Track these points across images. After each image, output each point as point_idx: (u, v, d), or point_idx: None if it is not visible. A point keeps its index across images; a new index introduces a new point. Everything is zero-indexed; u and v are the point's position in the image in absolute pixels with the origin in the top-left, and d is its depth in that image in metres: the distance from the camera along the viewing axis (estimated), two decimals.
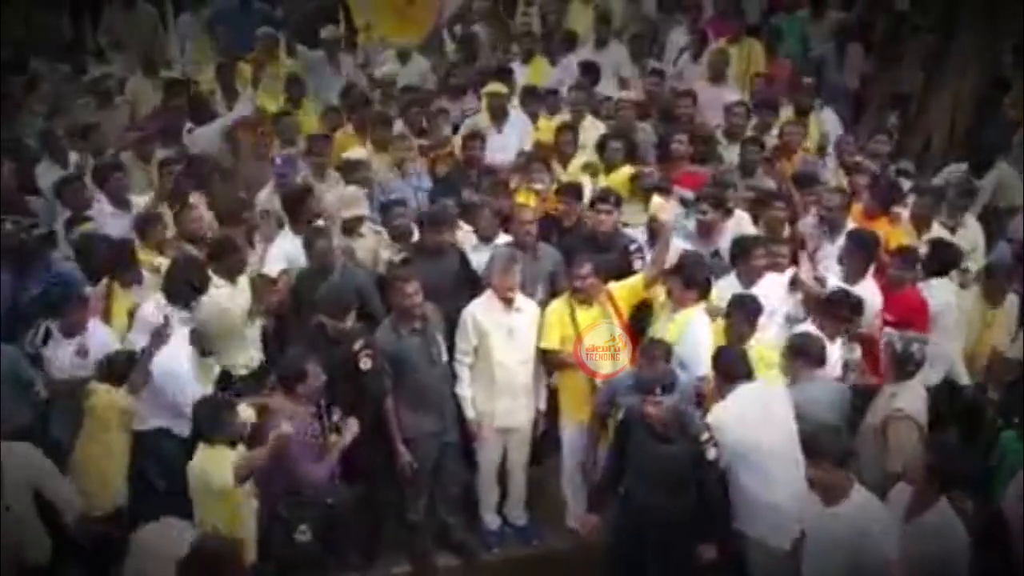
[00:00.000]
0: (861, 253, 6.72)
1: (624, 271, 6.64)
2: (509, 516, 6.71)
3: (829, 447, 4.69)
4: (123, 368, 5.76)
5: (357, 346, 5.90)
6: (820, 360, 5.87)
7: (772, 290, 6.56)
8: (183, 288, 6.08)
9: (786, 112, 9.11)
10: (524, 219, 6.76)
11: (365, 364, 5.92)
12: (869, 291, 6.59)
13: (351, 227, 6.98)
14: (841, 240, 7.00)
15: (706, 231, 7.06)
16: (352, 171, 7.49)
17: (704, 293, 6.27)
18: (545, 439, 6.67)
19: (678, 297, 6.25)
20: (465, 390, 6.35)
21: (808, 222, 7.46)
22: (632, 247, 6.79)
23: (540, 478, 6.79)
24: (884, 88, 10.40)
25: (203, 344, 5.99)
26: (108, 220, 7.11)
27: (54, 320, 5.99)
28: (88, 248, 6.57)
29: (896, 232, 7.52)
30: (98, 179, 7.41)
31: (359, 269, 6.76)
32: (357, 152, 7.73)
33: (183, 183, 7.25)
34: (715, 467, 5.47)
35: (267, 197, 7.46)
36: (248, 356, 6.47)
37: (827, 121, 9.33)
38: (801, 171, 8.11)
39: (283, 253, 6.79)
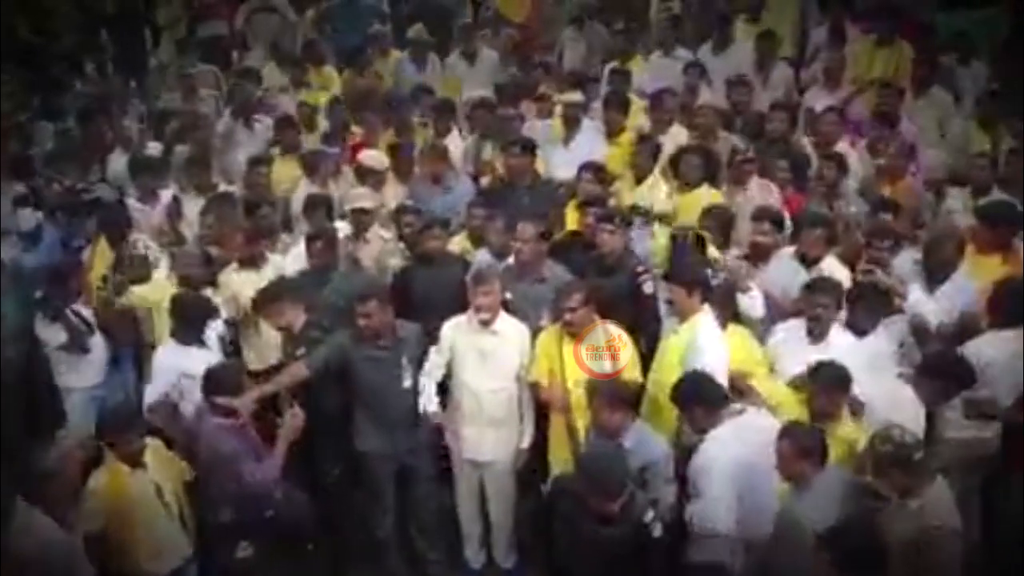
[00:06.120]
0: None
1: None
2: (495, 555, 6.18)
3: None
4: None
5: (299, 352, 5.75)
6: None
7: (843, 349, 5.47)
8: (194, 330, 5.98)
9: None
10: (523, 237, 6.10)
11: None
12: None
13: (359, 225, 6.76)
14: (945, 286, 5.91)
15: (759, 255, 6.20)
16: (365, 176, 7.32)
17: (707, 293, 5.53)
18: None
19: (681, 304, 5.54)
20: (427, 405, 5.79)
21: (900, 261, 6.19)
22: (640, 269, 6.04)
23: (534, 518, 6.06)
24: None
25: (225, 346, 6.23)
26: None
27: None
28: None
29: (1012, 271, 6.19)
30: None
31: (357, 274, 6.51)
32: (377, 159, 7.47)
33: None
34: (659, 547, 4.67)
35: (298, 201, 7.38)
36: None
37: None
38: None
39: (300, 256, 6.62)
